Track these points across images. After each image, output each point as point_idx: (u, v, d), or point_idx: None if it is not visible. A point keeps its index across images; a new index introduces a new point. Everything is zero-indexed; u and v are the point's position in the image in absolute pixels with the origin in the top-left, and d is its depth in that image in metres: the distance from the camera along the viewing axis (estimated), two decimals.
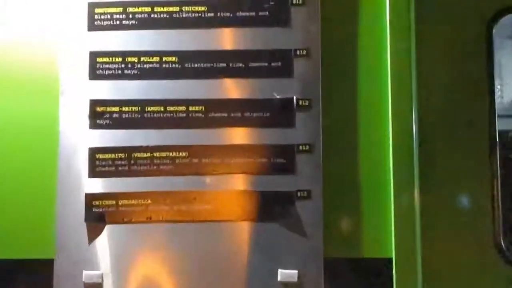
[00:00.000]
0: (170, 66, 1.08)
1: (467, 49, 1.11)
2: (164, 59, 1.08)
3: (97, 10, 1.09)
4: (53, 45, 1.09)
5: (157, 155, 1.06)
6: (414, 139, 1.06)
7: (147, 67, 1.08)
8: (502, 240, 1.06)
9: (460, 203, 1.10)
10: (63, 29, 1.09)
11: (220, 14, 1.08)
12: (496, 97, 1.12)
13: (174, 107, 1.07)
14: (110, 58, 1.08)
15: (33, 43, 1.11)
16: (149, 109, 1.07)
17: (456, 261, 1.07)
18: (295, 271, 1.03)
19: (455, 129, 1.11)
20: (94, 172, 1.06)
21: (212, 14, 1.09)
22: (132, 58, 1.08)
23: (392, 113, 1.07)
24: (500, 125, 1.13)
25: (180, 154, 1.06)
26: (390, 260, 1.04)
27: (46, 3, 1.12)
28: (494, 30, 1.11)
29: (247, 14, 1.08)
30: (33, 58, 1.11)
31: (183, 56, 1.08)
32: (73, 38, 1.09)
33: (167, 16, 1.09)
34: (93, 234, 1.05)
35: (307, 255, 1.03)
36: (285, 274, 1.03)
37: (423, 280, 1.03)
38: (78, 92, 1.08)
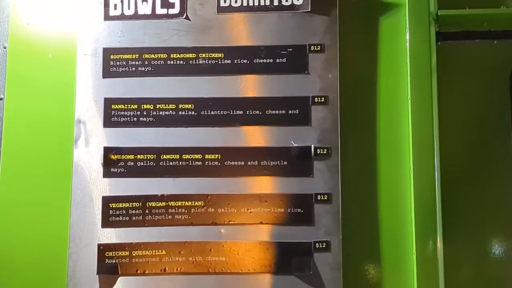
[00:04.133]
0: (186, 113, 1.06)
1: (489, 95, 1.09)
2: (180, 106, 1.06)
3: (112, 56, 1.08)
4: (71, 90, 1.07)
5: (172, 205, 1.04)
6: (436, 187, 1.03)
7: (163, 114, 1.06)
8: None
9: (485, 253, 1.06)
10: (80, 75, 1.08)
11: (237, 61, 1.07)
12: None
13: (190, 155, 1.05)
14: (125, 105, 1.07)
15: (50, 89, 1.10)
16: (164, 157, 1.05)
17: None
18: None
19: (478, 176, 1.08)
20: (107, 222, 1.04)
21: (229, 61, 1.07)
22: (148, 105, 1.06)
23: (413, 161, 1.04)
24: None
25: (196, 203, 1.04)
26: None
27: (63, 49, 1.11)
28: None
29: (265, 61, 1.07)
30: (49, 105, 1.10)
31: (200, 103, 1.06)
32: (88, 84, 1.07)
33: (183, 63, 1.07)
34: (105, 287, 1.02)
35: None
36: None
37: None
38: (92, 139, 1.06)
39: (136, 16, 1.09)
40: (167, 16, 1.08)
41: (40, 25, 1.12)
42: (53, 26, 1.12)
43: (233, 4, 1.08)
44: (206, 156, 1.05)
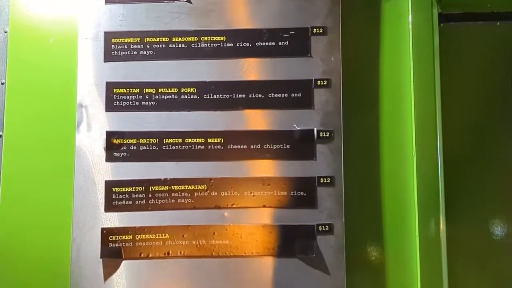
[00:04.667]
0: (189, 97, 1.06)
1: (492, 76, 1.09)
2: (183, 90, 1.06)
3: (113, 40, 1.07)
4: (72, 74, 1.07)
5: (175, 188, 1.04)
6: (439, 169, 1.04)
7: (165, 98, 1.06)
8: None
9: (488, 234, 1.07)
10: (81, 59, 1.07)
11: (239, 44, 1.06)
12: None
13: (192, 139, 1.05)
14: (127, 89, 1.06)
15: (51, 73, 1.10)
16: (167, 141, 1.05)
17: None
18: None
19: (480, 157, 1.08)
20: (110, 206, 1.04)
21: (231, 44, 1.07)
22: (150, 89, 1.06)
23: (416, 143, 1.04)
24: None
25: (199, 187, 1.04)
26: None
27: (64, 33, 1.11)
28: None
29: (267, 44, 1.06)
30: (50, 89, 1.09)
31: (202, 87, 1.06)
32: (90, 68, 1.07)
33: (185, 46, 1.07)
34: (109, 270, 1.02)
35: None
36: None
37: None
38: (94, 124, 1.06)
39: None
40: None
41: (41, 9, 1.11)
42: (53, 10, 1.11)
43: None
44: (209, 140, 1.05)
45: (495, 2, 1.08)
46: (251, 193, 1.04)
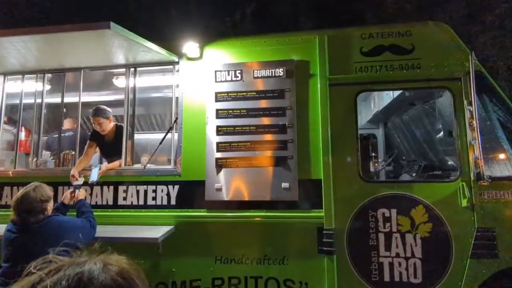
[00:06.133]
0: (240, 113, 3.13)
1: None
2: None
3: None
4: (202, 95, 3.18)
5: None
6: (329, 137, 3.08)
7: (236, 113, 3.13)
8: (360, 169, 3.04)
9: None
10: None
11: (256, 95, 3.13)
12: None
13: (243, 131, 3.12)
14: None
15: (196, 96, 3.21)
16: (237, 129, 3.11)
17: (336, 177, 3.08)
18: (287, 184, 3.06)
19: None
20: (218, 149, 3.12)
21: (254, 97, 3.13)
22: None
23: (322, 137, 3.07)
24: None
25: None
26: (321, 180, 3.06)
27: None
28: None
29: (262, 95, 3.12)
30: (192, 107, 3.19)
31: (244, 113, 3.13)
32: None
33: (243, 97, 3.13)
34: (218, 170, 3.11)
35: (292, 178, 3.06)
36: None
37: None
38: (211, 122, 3.13)
39: None
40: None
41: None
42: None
43: None
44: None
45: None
46: None
